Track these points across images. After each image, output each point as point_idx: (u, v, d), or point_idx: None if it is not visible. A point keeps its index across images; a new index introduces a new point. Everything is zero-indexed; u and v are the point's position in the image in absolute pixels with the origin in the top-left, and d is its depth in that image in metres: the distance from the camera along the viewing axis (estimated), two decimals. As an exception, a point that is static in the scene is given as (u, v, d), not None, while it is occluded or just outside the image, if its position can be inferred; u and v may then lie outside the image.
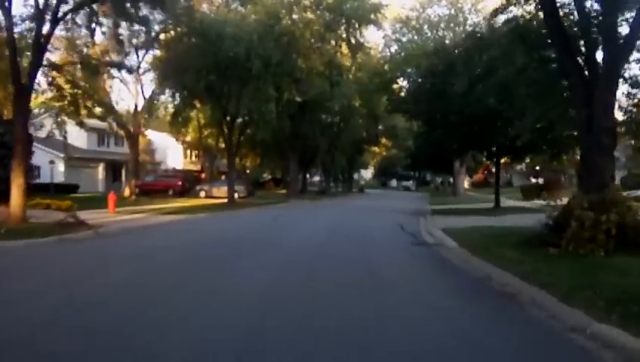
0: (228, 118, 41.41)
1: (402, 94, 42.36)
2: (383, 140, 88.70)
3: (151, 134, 73.60)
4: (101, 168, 62.84)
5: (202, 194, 53.76)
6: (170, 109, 44.84)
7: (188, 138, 76.23)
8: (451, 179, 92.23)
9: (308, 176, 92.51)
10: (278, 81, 37.13)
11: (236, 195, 48.96)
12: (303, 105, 50.36)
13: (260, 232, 19.15)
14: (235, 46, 34.55)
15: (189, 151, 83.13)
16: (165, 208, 32.40)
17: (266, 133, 54.77)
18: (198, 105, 44.55)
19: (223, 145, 76.69)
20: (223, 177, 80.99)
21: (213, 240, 16.52)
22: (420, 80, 32.55)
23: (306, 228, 21.40)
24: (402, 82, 51.67)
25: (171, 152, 79.98)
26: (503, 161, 63.00)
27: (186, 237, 18.06)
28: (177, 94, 40.90)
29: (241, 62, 35.26)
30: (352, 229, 20.73)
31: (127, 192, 45.28)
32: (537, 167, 59.96)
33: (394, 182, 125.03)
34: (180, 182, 56.00)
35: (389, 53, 52.36)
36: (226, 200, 41.94)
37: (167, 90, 42.72)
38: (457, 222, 22.50)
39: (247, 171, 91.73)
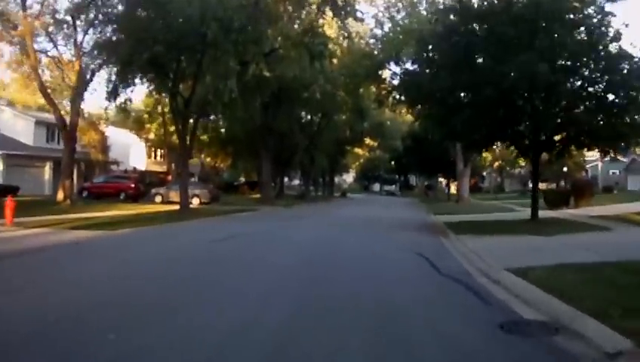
0: (180, 101, 32.22)
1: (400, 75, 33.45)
2: (368, 140, 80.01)
3: (110, 131, 65.50)
4: (48, 167, 53.41)
5: (158, 198, 44.78)
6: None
7: (151, 135, 67.36)
8: (442, 183, 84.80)
9: (287, 179, 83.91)
10: (242, 52, 27.86)
11: (197, 201, 41.49)
12: (279, 93, 41.80)
13: (166, 287, 9.25)
14: (188, 7, 25.72)
15: (153, 151, 73.56)
16: (93, 218, 24.83)
17: (230, 121, 45.84)
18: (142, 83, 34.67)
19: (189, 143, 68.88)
20: (193, 179, 73.06)
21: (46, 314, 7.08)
22: (433, 46, 22.88)
23: (262, 267, 11.74)
24: (396, 68, 43.14)
25: (134, 151, 70.43)
26: (494, 163, 54.23)
27: (25, 288, 8.72)
28: (114, 70, 31.40)
29: (194, 28, 26.30)
30: (345, 270, 11.33)
31: (60, 196, 36.12)
32: (565, 170, 50.87)
33: (376, 186, 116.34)
34: (132, 185, 46.60)
35: (381, 32, 43.03)
36: (177, 206, 33.46)
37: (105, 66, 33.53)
38: (512, 250, 13.68)
39: (221, 173, 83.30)
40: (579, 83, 20.80)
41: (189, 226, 23.09)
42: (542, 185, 72.75)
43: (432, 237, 18.65)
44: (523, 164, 74.27)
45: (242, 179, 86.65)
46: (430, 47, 22.85)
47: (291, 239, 18.36)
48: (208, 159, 74.60)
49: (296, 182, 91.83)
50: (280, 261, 12.51)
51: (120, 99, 32.28)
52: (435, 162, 54.90)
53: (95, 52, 33.07)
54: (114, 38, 30.86)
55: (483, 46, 20.14)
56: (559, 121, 21.04)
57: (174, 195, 43.43)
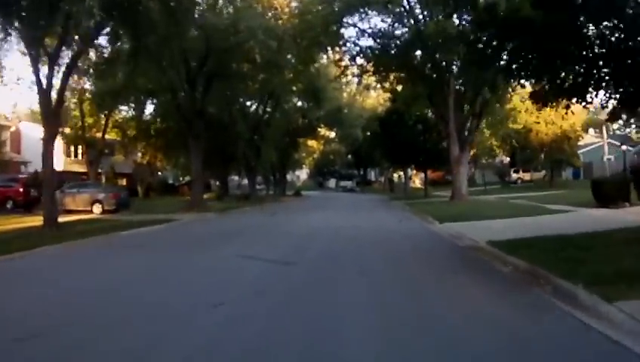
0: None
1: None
2: (323, 131, 68.16)
3: (22, 126, 55.44)
4: None
5: (52, 206, 32.17)
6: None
7: (67, 130, 53.90)
8: (411, 174, 72.53)
9: (237, 177, 71.24)
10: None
11: (99, 209, 32.16)
12: (206, 59, 29.98)
13: None
14: None
15: (73, 148, 59.41)
16: None
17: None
18: None
19: (111, 137, 55.68)
20: (123, 181, 60.70)
21: None
22: None
23: None
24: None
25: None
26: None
27: None
28: None
29: None
30: None
31: None
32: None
33: (332, 183, 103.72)
34: (21, 189, 33.60)
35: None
36: (68, 218, 25.38)
37: None
38: None
39: (160, 172, 70.35)
40: None
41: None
42: (525, 176, 62.34)
43: (554, 322, 6.48)
44: (499, 152, 63.38)
45: (186, 178, 73.73)
46: None
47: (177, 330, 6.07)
48: (147, 157, 61.07)
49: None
50: None
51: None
52: (409, 149, 42.78)
53: None
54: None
55: None
56: None
57: (70, 202, 32.84)
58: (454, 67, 30.42)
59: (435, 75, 31.31)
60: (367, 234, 16.64)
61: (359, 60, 32.99)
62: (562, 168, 53.12)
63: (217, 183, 62.16)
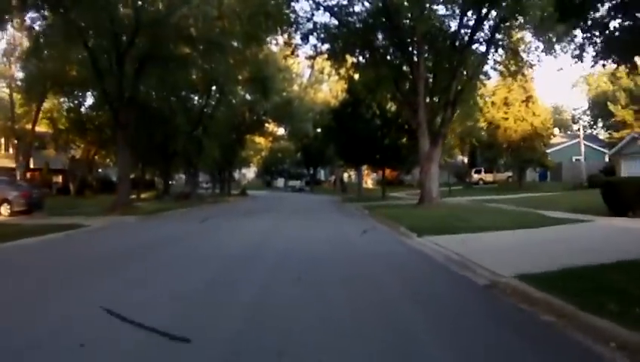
0: None
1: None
2: (271, 127, 63.12)
3: None
4: None
5: (-57, 209, 27.44)
6: None
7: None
8: (365, 174, 66.87)
9: (185, 175, 65.85)
10: None
11: (7, 210, 26.38)
12: (134, 34, 24.87)
13: None
14: None
15: (4, 141, 52.94)
16: None
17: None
18: None
19: (41, 129, 49.60)
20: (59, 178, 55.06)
21: None
22: None
23: None
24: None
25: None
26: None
27: None
28: None
29: None
30: None
31: None
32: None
33: (280, 182, 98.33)
34: None
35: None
36: None
37: None
38: None
39: (100, 169, 64.51)
40: None
41: None
42: (487, 177, 58.06)
43: None
44: (457, 151, 59.43)
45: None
46: None
47: None
48: (87, 153, 54.61)
49: (200, 179, 73.46)
50: None
51: None
52: (365, 146, 37.87)
53: None
54: None
55: None
56: None
57: (-23, 204, 27.32)
58: (426, 47, 25.58)
59: (403, 57, 26.39)
60: (326, 256, 11.49)
61: (312, 40, 27.64)
62: (533, 168, 49.28)
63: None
